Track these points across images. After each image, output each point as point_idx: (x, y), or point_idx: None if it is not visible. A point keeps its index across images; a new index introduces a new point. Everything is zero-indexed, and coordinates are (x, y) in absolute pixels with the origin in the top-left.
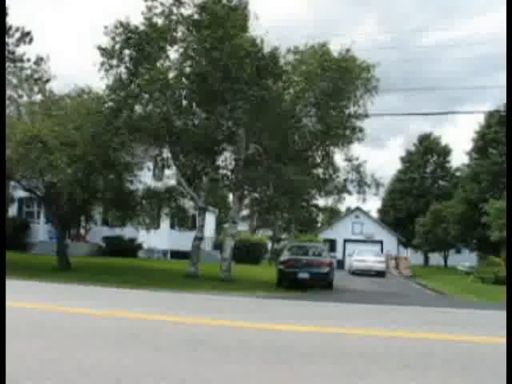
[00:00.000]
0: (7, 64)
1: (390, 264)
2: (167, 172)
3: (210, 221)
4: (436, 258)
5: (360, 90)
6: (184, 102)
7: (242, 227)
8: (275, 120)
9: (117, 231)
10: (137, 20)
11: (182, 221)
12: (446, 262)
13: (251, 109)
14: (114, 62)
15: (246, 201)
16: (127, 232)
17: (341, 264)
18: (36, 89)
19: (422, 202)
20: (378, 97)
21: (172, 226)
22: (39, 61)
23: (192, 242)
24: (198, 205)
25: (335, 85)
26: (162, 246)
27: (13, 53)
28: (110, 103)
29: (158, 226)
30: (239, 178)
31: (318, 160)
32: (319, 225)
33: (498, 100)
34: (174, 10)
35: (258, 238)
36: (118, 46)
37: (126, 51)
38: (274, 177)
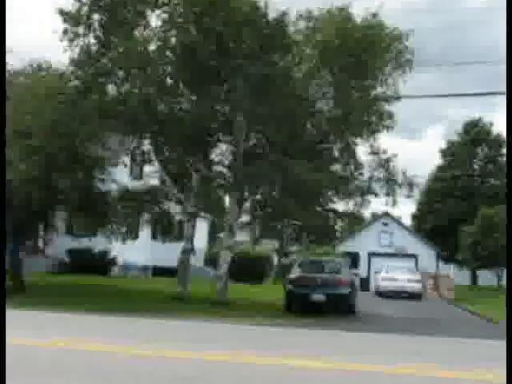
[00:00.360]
0: None
1: (427, 284)
2: (148, 169)
3: (201, 229)
4: (487, 277)
5: (389, 66)
6: (169, 81)
7: (242, 237)
8: (283, 104)
9: (84, 242)
10: None
11: (166, 229)
12: (499, 281)
13: (253, 90)
14: (80, 29)
15: (247, 204)
16: (98, 243)
17: (365, 284)
18: None
19: (468, 205)
20: (411, 74)
21: (154, 236)
22: None
23: (179, 255)
24: (187, 209)
25: (358, 59)
26: (142, 261)
27: None
28: (76, 82)
29: (136, 236)
30: (238, 177)
31: (336, 154)
32: (337, 234)
33: None
34: None
35: (261, 251)
36: (84, 10)
37: (96, 16)
38: (281, 175)
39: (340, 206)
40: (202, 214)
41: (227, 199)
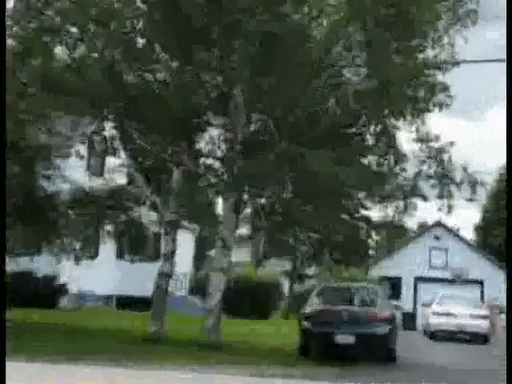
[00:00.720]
0: None
1: (497, 321)
2: (112, 162)
3: (184, 245)
4: None
5: (444, 19)
6: (140, 42)
7: (240, 256)
8: (295, 73)
9: (24, 264)
10: None
11: (136, 245)
12: None
13: (255, 54)
14: None
15: (247, 211)
16: (41, 264)
17: (410, 320)
18: None
19: None
20: (475, 30)
21: (120, 255)
22: None
23: (154, 281)
24: (165, 218)
25: (400, 9)
26: (103, 289)
27: None
28: (11, 42)
29: (95, 255)
30: (235, 173)
31: (370, 141)
32: (371, 252)
33: None
34: None
35: (266, 275)
36: None
37: None
38: (294, 170)
39: (374, 212)
40: (186, 223)
41: (220, 203)
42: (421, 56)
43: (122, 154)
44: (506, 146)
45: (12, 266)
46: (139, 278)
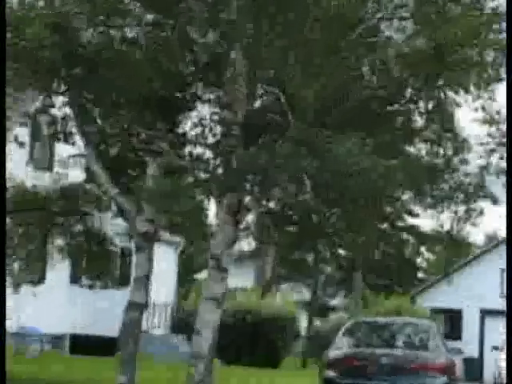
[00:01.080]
0: None
1: None
2: (64, 151)
3: (164, 265)
4: None
5: None
6: None
7: (241, 280)
8: (316, 29)
9: None
10: None
11: (97, 265)
12: None
13: (262, 2)
14: None
15: (249, 218)
16: None
17: (474, 368)
18: None
19: None
20: None
21: (75, 279)
22: None
23: (123, 314)
24: (137, 228)
25: None
26: (52, 326)
27: None
28: None
29: (41, 279)
30: (233, 166)
31: (419, 123)
32: (421, 275)
33: None
34: None
35: (276, 307)
36: None
37: None
38: (315, 162)
39: (425, 220)
40: (166, 235)
41: (213, 208)
42: (489, 5)
43: (78, 139)
44: (506, 146)
45: None
46: (102, 311)
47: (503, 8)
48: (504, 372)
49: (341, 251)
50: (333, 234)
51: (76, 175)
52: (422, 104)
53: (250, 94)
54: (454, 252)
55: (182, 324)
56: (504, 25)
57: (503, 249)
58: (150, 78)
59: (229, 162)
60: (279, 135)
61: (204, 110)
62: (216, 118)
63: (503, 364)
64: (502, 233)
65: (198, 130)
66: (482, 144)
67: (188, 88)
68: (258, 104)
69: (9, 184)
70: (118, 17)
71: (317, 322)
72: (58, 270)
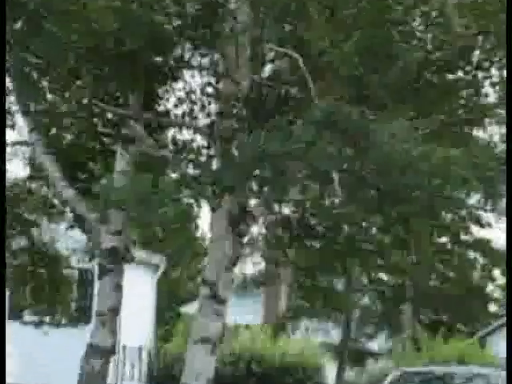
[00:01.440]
0: None
1: None
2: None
3: (139, 294)
4: None
5: None
6: None
7: (244, 314)
8: None
9: None
10: None
11: (47, 295)
12: None
13: None
14: None
15: (255, 229)
16: None
17: None
18: None
19: None
20: None
21: (15, 314)
22: None
23: (81, 362)
24: (101, 243)
25: None
26: None
27: None
28: None
29: None
30: (234, 156)
31: (491, 96)
32: (494, 308)
33: None
34: None
35: (294, 351)
36: None
37: None
38: (346, 150)
39: (499, 233)
40: (142, 253)
41: (208, 216)
42: None
43: (20, 121)
44: (507, 146)
45: None
46: (52, 357)
47: None
48: None
49: (383, 275)
50: (372, 251)
51: (16, 170)
52: (494, 71)
53: (257, 57)
54: None
55: (163, 375)
56: None
57: None
58: (118, 35)
59: (227, 151)
60: (296, 114)
61: (193, 81)
62: (210, 90)
63: None
64: None
65: (185, 107)
66: None
67: (171, 49)
68: (267, 71)
69: None
70: None
71: (350, 373)
72: None
